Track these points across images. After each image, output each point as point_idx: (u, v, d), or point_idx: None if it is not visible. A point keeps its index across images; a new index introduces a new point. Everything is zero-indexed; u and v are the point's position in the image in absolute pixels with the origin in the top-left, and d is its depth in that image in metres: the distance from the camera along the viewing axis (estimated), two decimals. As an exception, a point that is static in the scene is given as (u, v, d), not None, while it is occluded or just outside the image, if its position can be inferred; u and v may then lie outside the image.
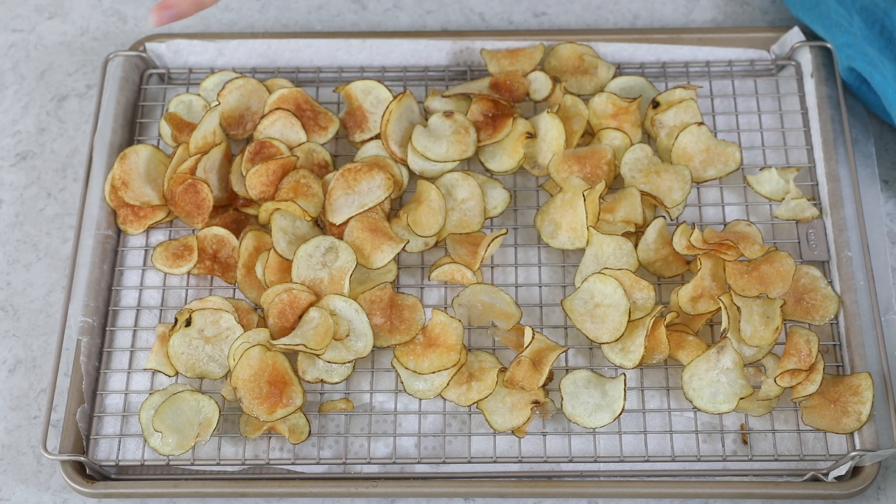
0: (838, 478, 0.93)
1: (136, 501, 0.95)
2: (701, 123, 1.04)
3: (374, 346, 0.96)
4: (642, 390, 0.97)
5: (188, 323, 0.96)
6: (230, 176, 1.04)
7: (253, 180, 1.01)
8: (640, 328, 0.95)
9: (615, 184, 1.04)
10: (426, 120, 1.06)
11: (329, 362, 0.95)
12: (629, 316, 0.95)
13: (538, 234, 1.02)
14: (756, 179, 1.04)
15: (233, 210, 1.05)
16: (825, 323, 0.98)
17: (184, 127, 1.07)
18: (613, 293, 0.96)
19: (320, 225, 1.03)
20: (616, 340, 0.95)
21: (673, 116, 1.05)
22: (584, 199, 0.98)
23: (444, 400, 0.96)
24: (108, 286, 1.02)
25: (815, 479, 0.93)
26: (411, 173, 1.05)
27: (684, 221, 1.00)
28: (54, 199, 1.09)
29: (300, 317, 0.96)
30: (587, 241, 0.99)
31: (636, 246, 0.99)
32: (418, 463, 0.95)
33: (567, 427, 0.96)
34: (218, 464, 0.95)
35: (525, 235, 1.04)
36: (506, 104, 1.06)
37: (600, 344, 0.96)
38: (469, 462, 0.94)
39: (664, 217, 1.01)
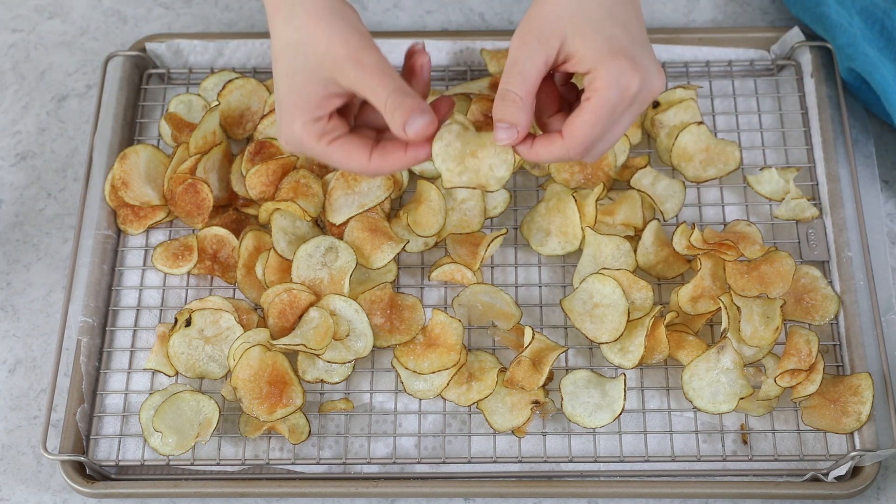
0: (838, 478, 0.93)
1: (136, 501, 0.95)
2: (701, 123, 1.04)
3: (374, 346, 0.96)
4: (642, 390, 0.97)
5: (188, 323, 0.96)
6: (230, 176, 1.04)
7: (253, 180, 1.01)
8: (639, 328, 0.95)
9: (615, 185, 1.04)
10: (426, 120, 1.06)
11: (329, 362, 0.95)
12: (628, 316, 0.95)
13: (528, 242, 1.02)
14: (756, 179, 1.04)
15: (233, 210, 1.05)
16: (825, 323, 0.98)
17: (184, 127, 1.07)
18: (612, 293, 0.96)
19: (320, 225, 1.03)
20: (615, 340, 0.95)
21: (673, 116, 1.05)
22: (576, 200, 0.98)
23: (444, 400, 0.96)
24: (108, 286, 1.02)
25: (815, 479, 0.93)
26: (411, 173, 1.05)
27: (684, 221, 1.00)
28: (54, 199, 1.09)
29: (300, 317, 0.96)
30: (582, 242, 0.99)
31: (635, 251, 0.99)
32: (418, 463, 0.95)
33: (567, 427, 0.96)
34: (218, 464, 0.95)
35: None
36: (506, 104, 1.05)
37: (600, 344, 0.96)
38: (469, 462, 0.94)
39: (658, 220, 1.00)
